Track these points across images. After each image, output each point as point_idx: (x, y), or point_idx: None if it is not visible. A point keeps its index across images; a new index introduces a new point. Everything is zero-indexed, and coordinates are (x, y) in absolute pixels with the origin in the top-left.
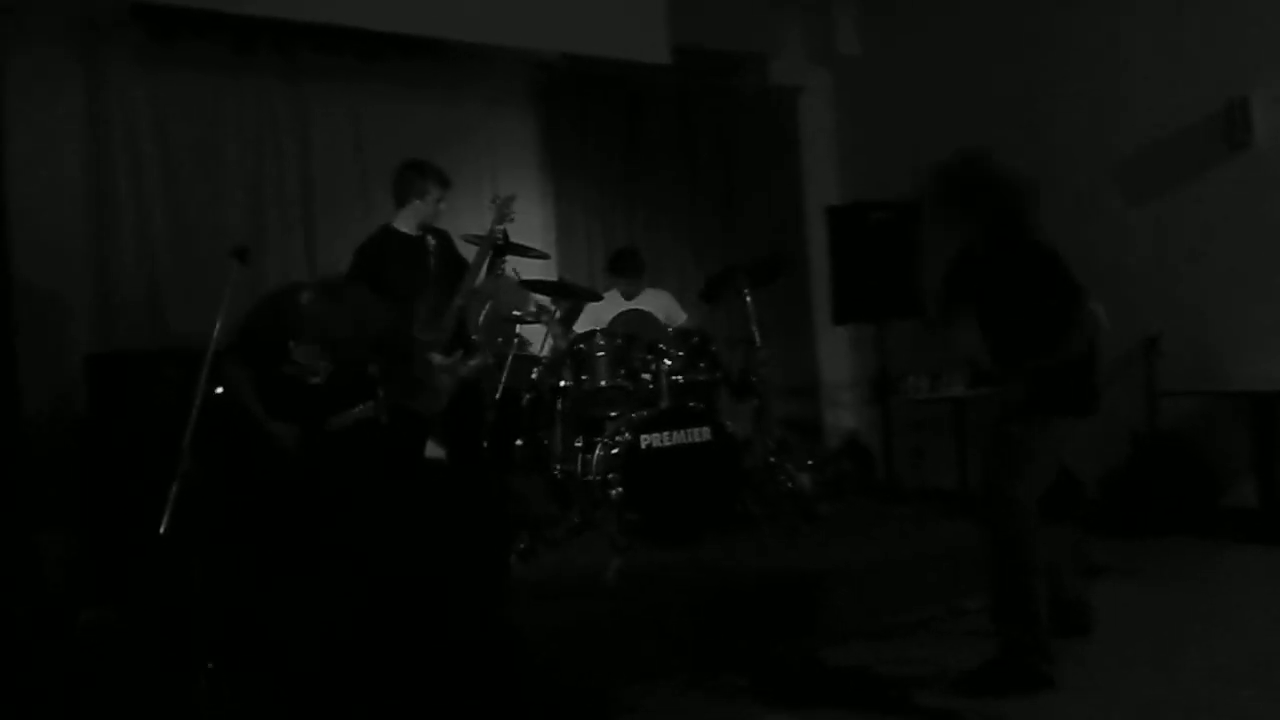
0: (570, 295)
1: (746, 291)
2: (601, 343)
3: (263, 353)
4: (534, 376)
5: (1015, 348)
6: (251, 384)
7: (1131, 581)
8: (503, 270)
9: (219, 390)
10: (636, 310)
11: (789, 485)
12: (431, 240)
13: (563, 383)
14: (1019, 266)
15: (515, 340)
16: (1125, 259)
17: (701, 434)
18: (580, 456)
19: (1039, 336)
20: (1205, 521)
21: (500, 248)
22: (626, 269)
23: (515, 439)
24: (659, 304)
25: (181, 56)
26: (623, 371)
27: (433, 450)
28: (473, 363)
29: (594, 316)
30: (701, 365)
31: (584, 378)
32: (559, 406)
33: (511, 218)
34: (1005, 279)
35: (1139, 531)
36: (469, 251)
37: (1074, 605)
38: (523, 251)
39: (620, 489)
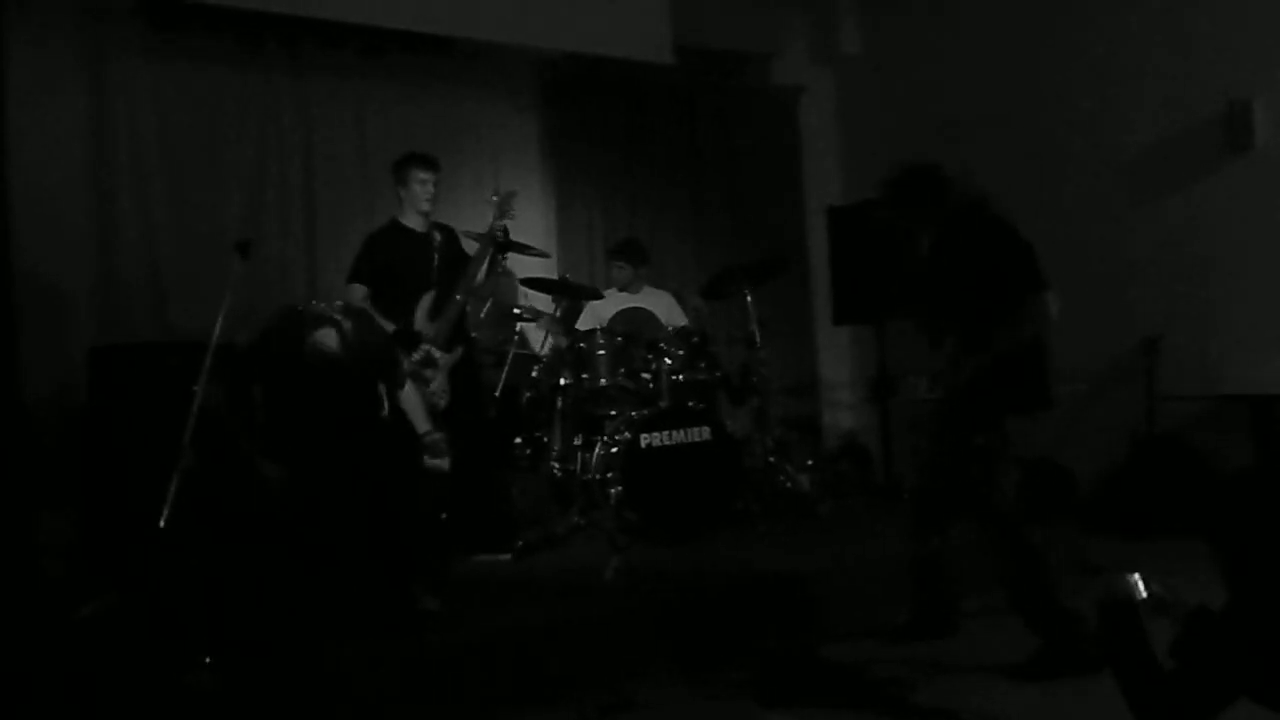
0: (571, 294)
1: (747, 291)
2: (602, 341)
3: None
4: (534, 374)
5: (970, 332)
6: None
7: None
8: (503, 267)
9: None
10: (637, 308)
11: (788, 485)
12: (437, 235)
13: (563, 381)
14: (979, 238)
15: (515, 338)
16: (1127, 260)
17: (701, 433)
18: (580, 455)
19: (991, 319)
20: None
21: (501, 245)
22: (628, 255)
23: (515, 437)
24: (660, 304)
25: (185, 50)
26: (623, 370)
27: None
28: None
29: (595, 315)
30: (701, 365)
31: (584, 376)
32: (559, 405)
33: (512, 214)
34: (964, 253)
35: (1137, 532)
36: (471, 248)
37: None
38: (523, 249)
39: (620, 488)
